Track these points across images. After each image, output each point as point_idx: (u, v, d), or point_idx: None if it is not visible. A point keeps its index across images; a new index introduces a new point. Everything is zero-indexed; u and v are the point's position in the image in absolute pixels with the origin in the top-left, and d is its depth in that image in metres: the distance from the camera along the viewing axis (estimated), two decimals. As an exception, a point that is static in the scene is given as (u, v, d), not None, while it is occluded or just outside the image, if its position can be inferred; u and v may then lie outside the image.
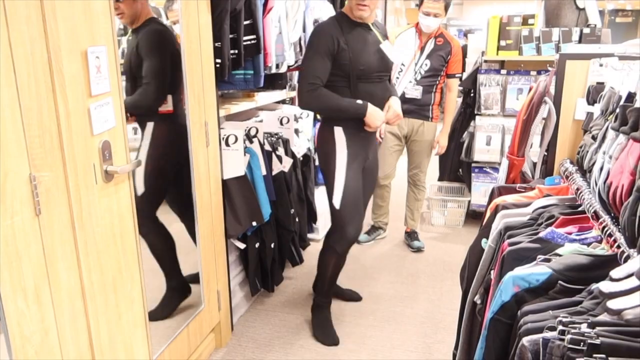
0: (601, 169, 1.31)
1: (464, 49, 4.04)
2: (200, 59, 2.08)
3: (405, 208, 3.77)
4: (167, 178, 2.25)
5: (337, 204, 2.36)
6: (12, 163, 1.14)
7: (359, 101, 2.23)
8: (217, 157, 2.29)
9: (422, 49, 3.30)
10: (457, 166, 4.23)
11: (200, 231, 2.19)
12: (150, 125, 2.19)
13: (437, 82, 3.37)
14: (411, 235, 3.73)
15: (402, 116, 2.36)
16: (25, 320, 1.21)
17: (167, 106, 2.13)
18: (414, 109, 3.37)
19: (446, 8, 3.20)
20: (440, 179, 4.42)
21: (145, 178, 2.23)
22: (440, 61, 3.31)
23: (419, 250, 3.63)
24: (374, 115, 2.23)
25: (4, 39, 1.11)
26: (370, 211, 3.75)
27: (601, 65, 1.73)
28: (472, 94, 3.96)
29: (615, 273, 0.89)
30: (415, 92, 3.33)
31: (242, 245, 2.56)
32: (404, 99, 3.24)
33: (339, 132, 2.33)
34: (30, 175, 1.20)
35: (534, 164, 2.09)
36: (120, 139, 1.54)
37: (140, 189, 2.26)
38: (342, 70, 2.24)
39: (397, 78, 3.36)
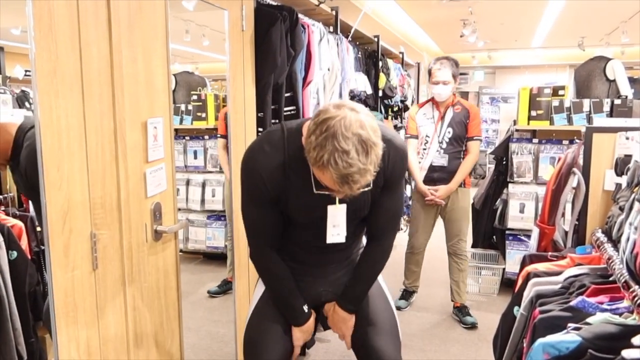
0: (628, 239, 1.35)
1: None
2: (244, 127, 2.24)
3: (450, 282, 3.53)
4: None
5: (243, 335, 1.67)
6: (77, 221, 1.27)
7: (305, 307, 1.58)
8: (255, 219, 2.40)
9: (442, 119, 3.39)
10: (491, 233, 4.21)
11: (238, 290, 2.26)
12: None
13: (464, 148, 3.40)
14: (462, 311, 3.46)
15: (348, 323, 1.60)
16: (76, 369, 1.29)
17: None
18: (445, 176, 3.37)
19: (454, 76, 3.29)
20: (474, 245, 4.38)
21: None
22: (461, 127, 3.36)
23: (473, 326, 3.33)
24: (302, 331, 1.58)
25: (79, 113, 1.27)
26: (402, 276, 3.73)
27: (627, 138, 1.78)
28: (504, 162, 4.01)
29: (637, 340, 0.92)
30: (442, 160, 3.36)
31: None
32: (432, 168, 3.37)
33: None
34: (91, 233, 1.32)
35: (566, 233, 2.11)
36: (170, 201, 1.67)
37: None
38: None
39: (424, 149, 3.47)
